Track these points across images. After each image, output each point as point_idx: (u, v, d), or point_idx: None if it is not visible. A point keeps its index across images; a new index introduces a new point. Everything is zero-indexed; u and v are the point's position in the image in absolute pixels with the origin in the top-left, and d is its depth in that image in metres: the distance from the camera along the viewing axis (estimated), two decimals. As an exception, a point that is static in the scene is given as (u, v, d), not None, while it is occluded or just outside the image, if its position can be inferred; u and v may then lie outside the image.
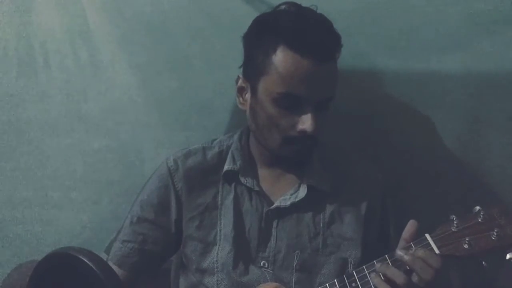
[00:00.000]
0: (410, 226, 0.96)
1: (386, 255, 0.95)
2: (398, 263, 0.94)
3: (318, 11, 1.07)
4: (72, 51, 1.31)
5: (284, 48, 1.01)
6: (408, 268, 0.92)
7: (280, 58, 1.01)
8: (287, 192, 1.11)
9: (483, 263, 0.91)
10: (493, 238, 0.90)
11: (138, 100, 1.33)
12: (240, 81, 1.11)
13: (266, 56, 1.03)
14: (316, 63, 1.00)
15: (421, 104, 1.28)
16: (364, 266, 0.96)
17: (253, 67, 1.06)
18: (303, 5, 1.07)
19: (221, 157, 1.15)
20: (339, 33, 1.05)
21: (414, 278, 0.92)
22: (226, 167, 1.12)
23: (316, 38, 1.01)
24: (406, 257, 0.92)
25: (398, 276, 0.92)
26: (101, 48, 1.31)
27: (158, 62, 1.32)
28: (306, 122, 1.02)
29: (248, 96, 1.09)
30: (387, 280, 0.93)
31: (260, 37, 1.05)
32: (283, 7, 1.07)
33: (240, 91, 1.11)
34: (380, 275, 0.94)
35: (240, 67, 1.11)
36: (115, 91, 1.33)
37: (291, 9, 1.06)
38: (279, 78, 1.01)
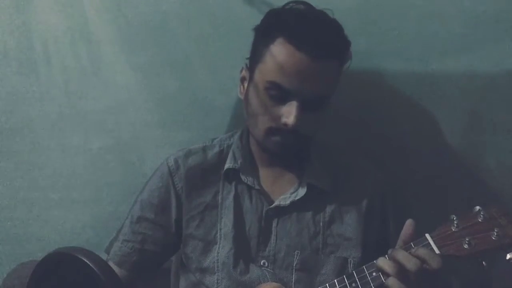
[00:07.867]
0: (407, 228, 0.95)
1: (386, 255, 0.94)
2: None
3: (318, 11, 1.07)
4: (72, 51, 1.31)
5: (282, 39, 1.02)
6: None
7: (276, 48, 1.02)
8: (287, 191, 1.11)
9: (483, 263, 0.91)
10: (493, 238, 0.90)
11: (138, 100, 1.33)
12: (243, 71, 1.12)
13: (265, 46, 1.04)
14: (310, 58, 1.00)
15: (421, 104, 1.28)
16: (364, 266, 0.95)
17: (254, 56, 1.08)
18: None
19: (222, 156, 1.15)
20: (349, 40, 1.05)
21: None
22: (227, 165, 1.12)
23: (315, 34, 1.01)
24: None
25: (414, 263, 0.88)
26: (101, 48, 1.31)
27: (158, 62, 1.32)
28: (289, 116, 1.02)
29: (246, 84, 1.11)
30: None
31: (265, 29, 1.07)
32: (293, 5, 1.08)
33: (242, 80, 1.13)
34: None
35: (247, 59, 1.12)
36: (115, 91, 1.33)
37: (300, 7, 1.07)
38: (271, 67, 1.02)
